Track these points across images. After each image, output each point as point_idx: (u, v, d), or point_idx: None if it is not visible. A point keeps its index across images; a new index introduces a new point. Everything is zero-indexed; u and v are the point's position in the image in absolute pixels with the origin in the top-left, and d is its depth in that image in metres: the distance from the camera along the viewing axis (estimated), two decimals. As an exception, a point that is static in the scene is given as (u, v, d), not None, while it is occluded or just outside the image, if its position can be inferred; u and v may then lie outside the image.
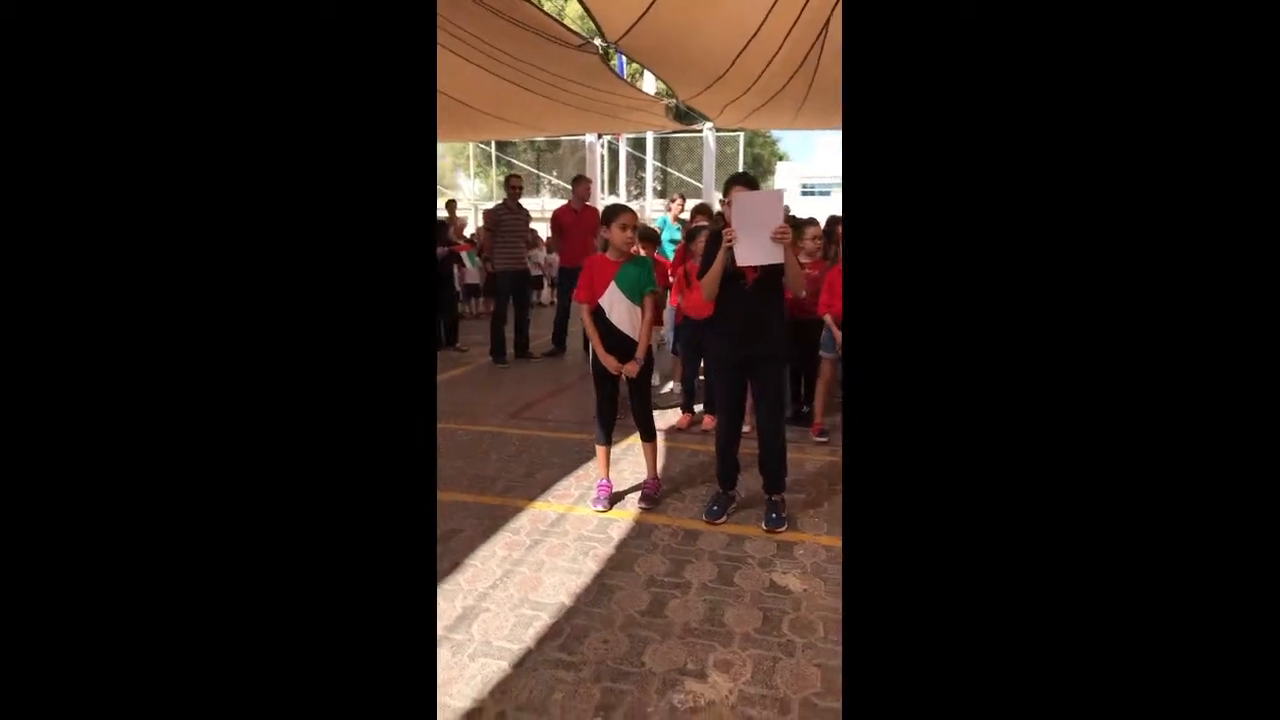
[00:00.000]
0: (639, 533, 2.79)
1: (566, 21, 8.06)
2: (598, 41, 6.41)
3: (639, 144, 13.90)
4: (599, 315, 2.92)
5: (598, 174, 12.42)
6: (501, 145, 14.33)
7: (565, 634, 2.11)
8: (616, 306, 2.90)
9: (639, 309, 2.91)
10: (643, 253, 4.17)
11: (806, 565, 2.53)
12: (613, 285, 2.89)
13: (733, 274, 2.68)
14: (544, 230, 9.33)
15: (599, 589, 2.37)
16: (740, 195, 2.54)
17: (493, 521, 2.86)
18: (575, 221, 5.82)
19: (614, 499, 3.04)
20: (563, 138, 13.44)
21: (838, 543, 2.69)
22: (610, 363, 2.90)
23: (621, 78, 7.96)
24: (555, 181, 14.66)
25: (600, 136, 12.40)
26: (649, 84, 10.24)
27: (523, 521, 2.88)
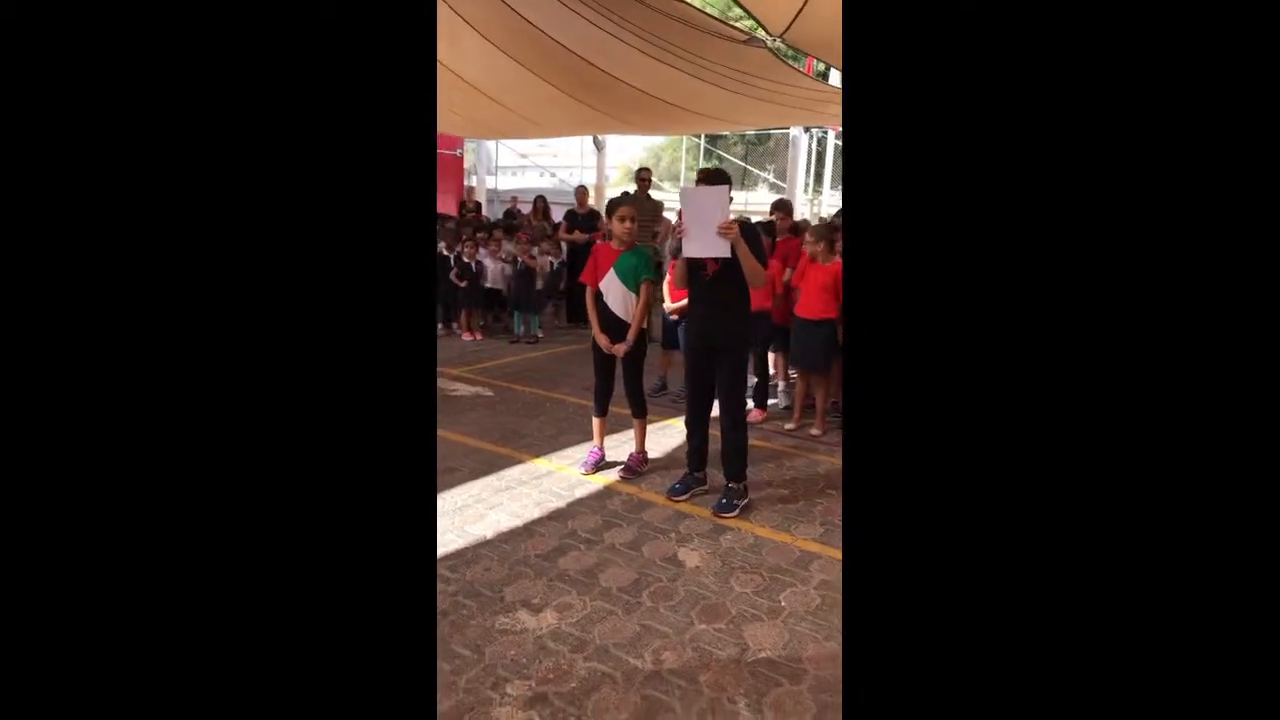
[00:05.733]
0: (599, 496, 3.07)
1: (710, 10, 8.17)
2: (762, 35, 6.53)
3: (852, 138, 13.41)
4: (598, 298, 3.22)
5: (800, 168, 12.28)
6: (712, 139, 14.74)
7: (463, 558, 2.50)
8: (612, 291, 3.18)
9: (633, 295, 3.17)
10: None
11: (721, 548, 2.64)
12: (611, 272, 3.17)
13: (696, 266, 2.83)
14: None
15: (523, 532, 2.72)
16: (687, 190, 2.69)
17: (490, 467, 3.32)
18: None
19: (601, 466, 3.34)
20: (771, 131, 13.47)
21: (773, 535, 2.74)
22: (603, 341, 3.19)
23: (800, 70, 7.91)
24: (770, 179, 14.73)
25: (808, 130, 12.23)
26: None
27: (514, 471, 3.30)
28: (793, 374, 4.44)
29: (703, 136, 14.12)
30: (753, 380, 4.30)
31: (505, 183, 14.56)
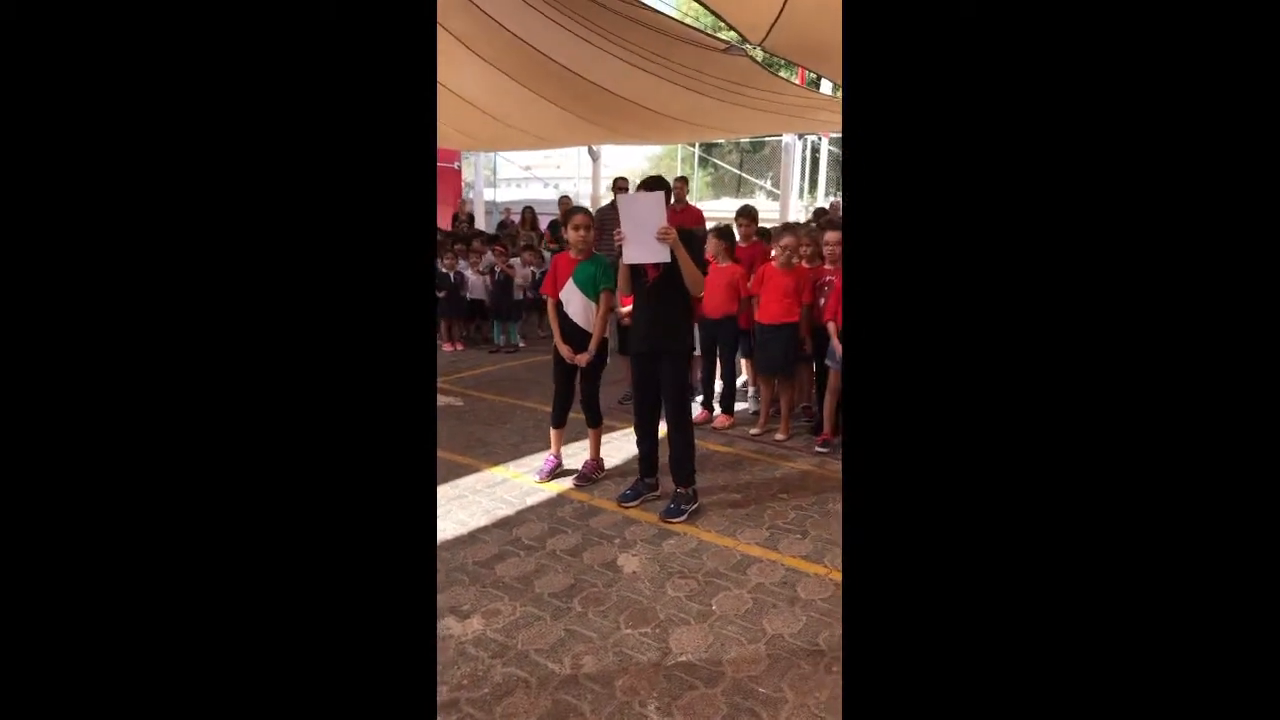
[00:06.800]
0: (551, 504, 3.08)
1: (689, 20, 8.22)
2: (747, 46, 6.57)
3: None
4: (559, 307, 3.23)
5: (795, 175, 12.29)
6: (707, 148, 14.78)
7: (401, 565, 2.51)
8: (572, 301, 3.19)
9: (593, 304, 3.18)
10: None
11: (662, 553, 2.64)
12: (570, 281, 3.19)
13: (637, 272, 2.85)
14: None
15: (466, 540, 2.73)
16: (622, 197, 2.72)
17: (446, 476, 3.34)
18: (673, 221, 6.09)
19: (557, 473, 3.34)
20: (766, 138, 13.50)
21: (716, 539, 2.74)
22: (565, 351, 3.21)
23: (791, 80, 7.94)
24: (768, 187, 14.74)
25: (801, 137, 12.25)
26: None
27: (469, 480, 3.32)
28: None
29: (697, 145, 14.18)
30: (719, 386, 4.31)
31: (509, 194, 14.69)
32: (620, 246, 2.74)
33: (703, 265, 2.81)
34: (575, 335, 3.21)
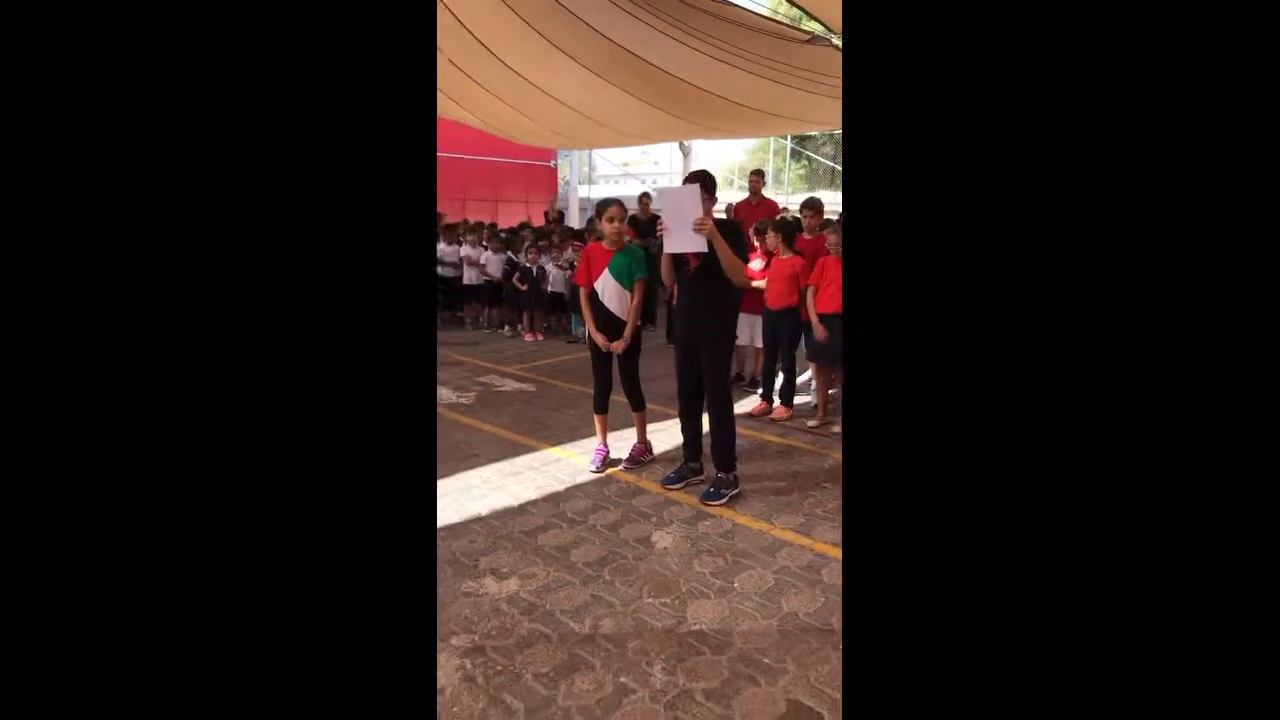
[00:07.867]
0: (599, 483, 3.25)
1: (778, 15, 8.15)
2: (831, 37, 6.51)
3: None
4: (594, 297, 3.39)
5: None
6: (800, 140, 14.56)
7: (453, 531, 2.75)
8: (608, 290, 3.34)
9: (629, 293, 3.32)
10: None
11: (696, 533, 2.75)
12: (606, 272, 3.33)
13: (681, 261, 2.96)
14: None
15: (515, 511, 2.94)
16: (662, 189, 2.84)
17: (506, 453, 3.58)
18: (750, 214, 6.14)
19: (608, 462, 3.44)
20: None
21: (752, 523, 2.83)
22: (600, 340, 3.36)
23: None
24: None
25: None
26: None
27: (527, 458, 3.54)
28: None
29: (789, 138, 14.02)
30: (780, 378, 4.34)
31: (606, 191, 15.04)
32: (662, 237, 2.86)
33: (743, 254, 2.89)
34: (610, 324, 3.34)
